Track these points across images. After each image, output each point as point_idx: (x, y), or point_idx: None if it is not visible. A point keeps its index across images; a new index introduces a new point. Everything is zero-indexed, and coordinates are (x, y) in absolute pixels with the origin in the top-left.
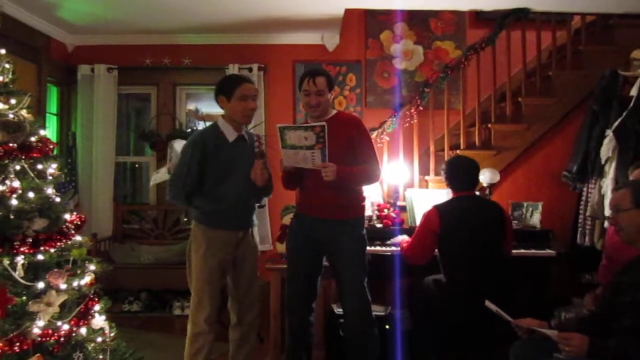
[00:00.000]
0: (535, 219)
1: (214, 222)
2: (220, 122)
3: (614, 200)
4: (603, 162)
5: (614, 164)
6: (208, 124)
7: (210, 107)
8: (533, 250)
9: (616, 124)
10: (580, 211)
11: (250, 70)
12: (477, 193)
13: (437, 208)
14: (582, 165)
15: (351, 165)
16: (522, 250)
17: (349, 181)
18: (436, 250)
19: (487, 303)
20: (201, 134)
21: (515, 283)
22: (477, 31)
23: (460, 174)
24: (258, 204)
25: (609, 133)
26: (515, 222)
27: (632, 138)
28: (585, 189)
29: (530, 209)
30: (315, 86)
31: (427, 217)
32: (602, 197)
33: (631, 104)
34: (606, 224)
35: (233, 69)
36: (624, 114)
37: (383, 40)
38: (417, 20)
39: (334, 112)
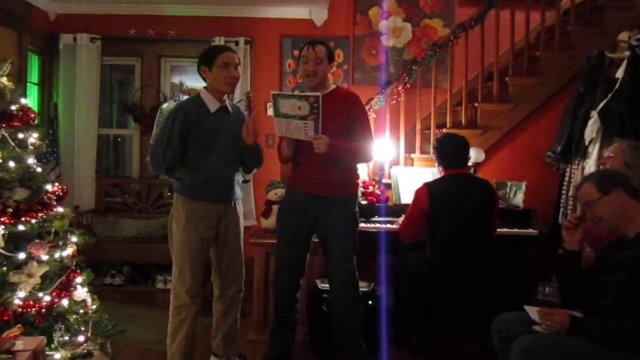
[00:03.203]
0: (519, 199)
1: (194, 194)
2: (202, 93)
3: (581, 197)
4: (587, 143)
5: (597, 145)
6: None
7: (195, 81)
8: (516, 229)
9: (601, 105)
10: (563, 191)
11: (237, 43)
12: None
13: (427, 186)
14: (566, 145)
15: (345, 142)
16: (505, 229)
17: (340, 156)
18: None
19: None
20: (182, 105)
21: (498, 261)
22: (466, 9)
23: (450, 151)
24: (243, 179)
25: (594, 114)
26: (499, 201)
27: (616, 120)
28: (568, 169)
29: (514, 188)
30: (315, 53)
31: (417, 194)
32: None
33: (616, 86)
34: None
35: (219, 42)
36: (609, 95)
37: (372, 17)
38: None
39: (333, 86)
